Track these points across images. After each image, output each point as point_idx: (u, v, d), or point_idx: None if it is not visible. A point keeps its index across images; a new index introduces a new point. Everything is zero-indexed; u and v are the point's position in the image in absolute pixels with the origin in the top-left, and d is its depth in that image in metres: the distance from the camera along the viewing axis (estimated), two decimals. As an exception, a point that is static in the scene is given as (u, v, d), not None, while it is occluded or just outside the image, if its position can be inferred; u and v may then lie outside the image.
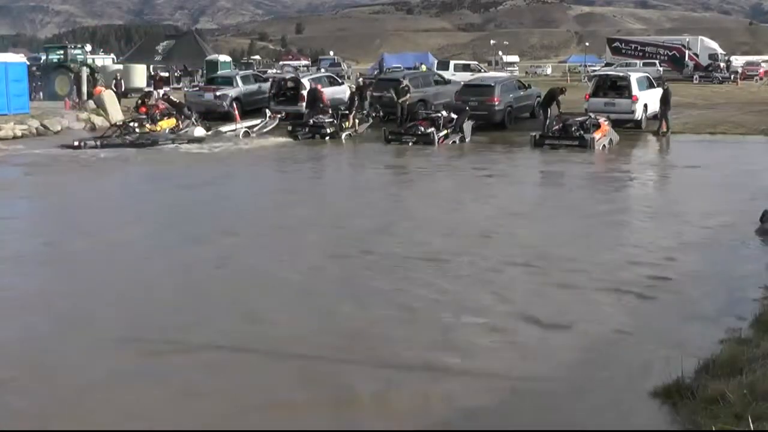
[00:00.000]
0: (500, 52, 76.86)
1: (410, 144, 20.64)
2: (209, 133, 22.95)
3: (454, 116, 21.52)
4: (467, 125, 21.54)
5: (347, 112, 23.29)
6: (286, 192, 14.97)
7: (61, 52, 33.77)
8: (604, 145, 19.63)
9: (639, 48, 53.68)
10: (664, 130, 21.99)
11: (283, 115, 24.53)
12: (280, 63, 72.95)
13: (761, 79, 46.99)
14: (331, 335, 6.84)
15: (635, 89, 22.50)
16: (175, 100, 25.04)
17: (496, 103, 23.18)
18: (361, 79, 33.43)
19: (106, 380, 5.94)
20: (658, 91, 23.01)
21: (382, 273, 8.77)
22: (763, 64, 53.61)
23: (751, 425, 4.21)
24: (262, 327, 7.14)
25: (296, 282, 8.50)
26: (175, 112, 23.80)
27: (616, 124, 21.14)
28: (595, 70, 42.05)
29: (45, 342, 6.77)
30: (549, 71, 68.29)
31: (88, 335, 6.95)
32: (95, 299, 8.00)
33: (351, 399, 5.62)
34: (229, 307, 7.67)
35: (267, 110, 24.92)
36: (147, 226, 11.63)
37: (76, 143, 20.49)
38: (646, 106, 22.69)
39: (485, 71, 48.13)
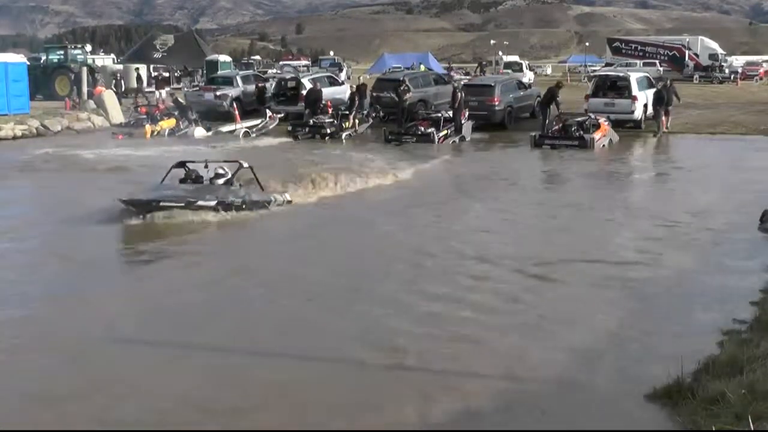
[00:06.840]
0: (500, 52, 76.62)
1: (410, 144, 20.62)
2: (209, 133, 23.02)
3: (450, 114, 21.46)
4: (467, 125, 21.53)
5: (347, 112, 23.29)
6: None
7: (62, 52, 33.77)
8: (603, 145, 19.64)
9: (639, 48, 53.68)
10: (665, 130, 21.98)
11: (283, 114, 24.55)
12: (280, 63, 72.64)
13: (761, 79, 46.98)
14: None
15: (635, 89, 22.48)
16: (181, 101, 25.13)
17: (496, 103, 23.17)
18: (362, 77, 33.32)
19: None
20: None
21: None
22: (763, 64, 53.62)
23: (751, 425, 4.20)
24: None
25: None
26: (176, 113, 23.81)
27: (615, 125, 21.13)
28: (595, 70, 42.05)
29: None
30: (549, 71, 68.25)
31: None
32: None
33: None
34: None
35: (267, 110, 24.92)
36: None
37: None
38: (645, 106, 22.66)
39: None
